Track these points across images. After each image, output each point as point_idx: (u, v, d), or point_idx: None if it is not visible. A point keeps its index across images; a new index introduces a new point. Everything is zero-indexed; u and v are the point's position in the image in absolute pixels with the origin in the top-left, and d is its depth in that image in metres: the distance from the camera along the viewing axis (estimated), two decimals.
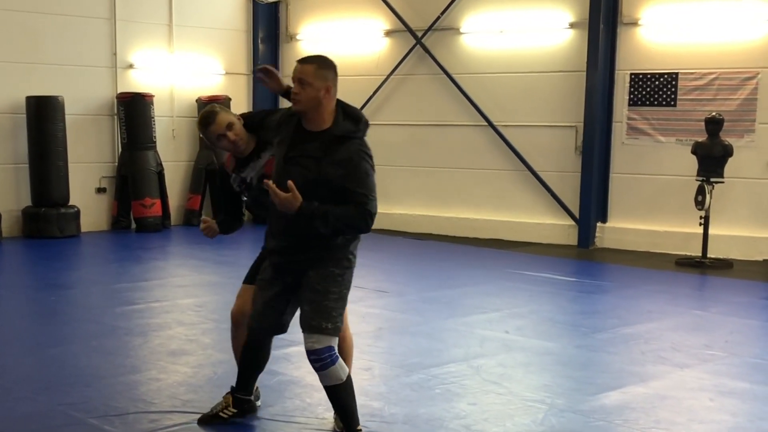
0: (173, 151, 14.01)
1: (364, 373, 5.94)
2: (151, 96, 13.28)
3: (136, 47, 13.54)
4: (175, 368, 6.00)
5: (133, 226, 13.27)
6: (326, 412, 5.09)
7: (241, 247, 11.15)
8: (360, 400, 5.26)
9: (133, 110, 13.03)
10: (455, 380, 5.85)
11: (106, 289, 8.99)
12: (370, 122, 4.52)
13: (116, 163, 13.33)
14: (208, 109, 4.90)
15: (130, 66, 13.48)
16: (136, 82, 13.51)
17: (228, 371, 5.68)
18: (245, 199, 5.05)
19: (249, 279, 5.02)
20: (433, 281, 9.72)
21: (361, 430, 4.61)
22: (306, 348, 4.38)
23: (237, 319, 5.03)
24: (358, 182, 4.29)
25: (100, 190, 13.33)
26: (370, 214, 4.31)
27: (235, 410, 4.92)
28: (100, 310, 7.94)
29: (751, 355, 6.80)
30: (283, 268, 4.53)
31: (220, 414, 4.91)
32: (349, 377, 4.49)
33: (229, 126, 4.79)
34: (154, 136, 13.30)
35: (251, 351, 4.82)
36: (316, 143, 4.32)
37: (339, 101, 4.43)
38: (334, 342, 4.43)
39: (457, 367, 6.17)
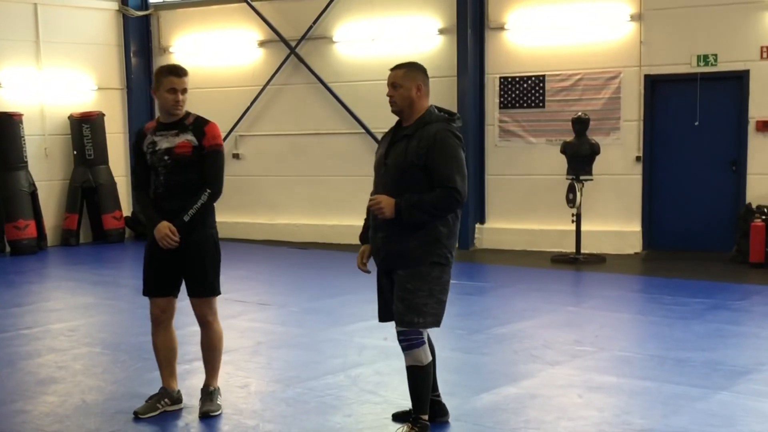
0: (46, 170, 13.64)
1: (240, 390, 5.91)
2: (20, 115, 12.90)
3: (2, 65, 13.13)
4: (43, 398, 5.83)
5: (8, 249, 12.87)
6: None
7: (120, 266, 10.90)
8: (234, 419, 5.28)
9: (2, 130, 12.64)
10: (332, 392, 5.87)
11: None
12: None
13: None
14: (180, 65, 5.36)
15: None
16: (3, 100, 13.08)
17: (97, 398, 5.59)
18: (147, 158, 5.29)
19: (152, 292, 5.33)
20: (315, 291, 9.73)
21: (425, 419, 4.84)
22: (396, 329, 4.79)
23: (156, 317, 5.38)
24: (442, 160, 4.60)
25: None
26: (457, 192, 4.57)
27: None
28: None
29: (619, 348, 7.03)
30: (382, 260, 4.85)
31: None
32: (429, 365, 4.83)
33: (185, 90, 5.26)
34: (25, 156, 12.92)
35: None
36: (410, 128, 4.77)
37: (434, 105, 4.86)
38: (425, 330, 4.77)
39: (335, 378, 6.19)
